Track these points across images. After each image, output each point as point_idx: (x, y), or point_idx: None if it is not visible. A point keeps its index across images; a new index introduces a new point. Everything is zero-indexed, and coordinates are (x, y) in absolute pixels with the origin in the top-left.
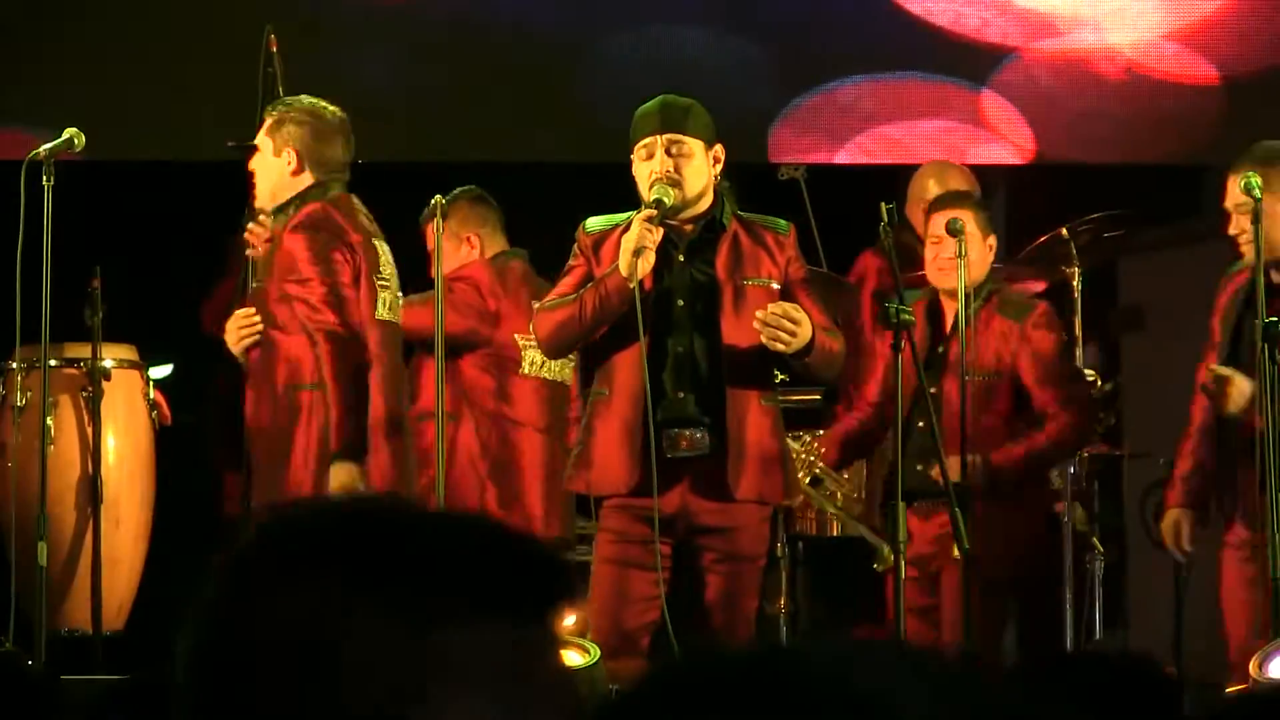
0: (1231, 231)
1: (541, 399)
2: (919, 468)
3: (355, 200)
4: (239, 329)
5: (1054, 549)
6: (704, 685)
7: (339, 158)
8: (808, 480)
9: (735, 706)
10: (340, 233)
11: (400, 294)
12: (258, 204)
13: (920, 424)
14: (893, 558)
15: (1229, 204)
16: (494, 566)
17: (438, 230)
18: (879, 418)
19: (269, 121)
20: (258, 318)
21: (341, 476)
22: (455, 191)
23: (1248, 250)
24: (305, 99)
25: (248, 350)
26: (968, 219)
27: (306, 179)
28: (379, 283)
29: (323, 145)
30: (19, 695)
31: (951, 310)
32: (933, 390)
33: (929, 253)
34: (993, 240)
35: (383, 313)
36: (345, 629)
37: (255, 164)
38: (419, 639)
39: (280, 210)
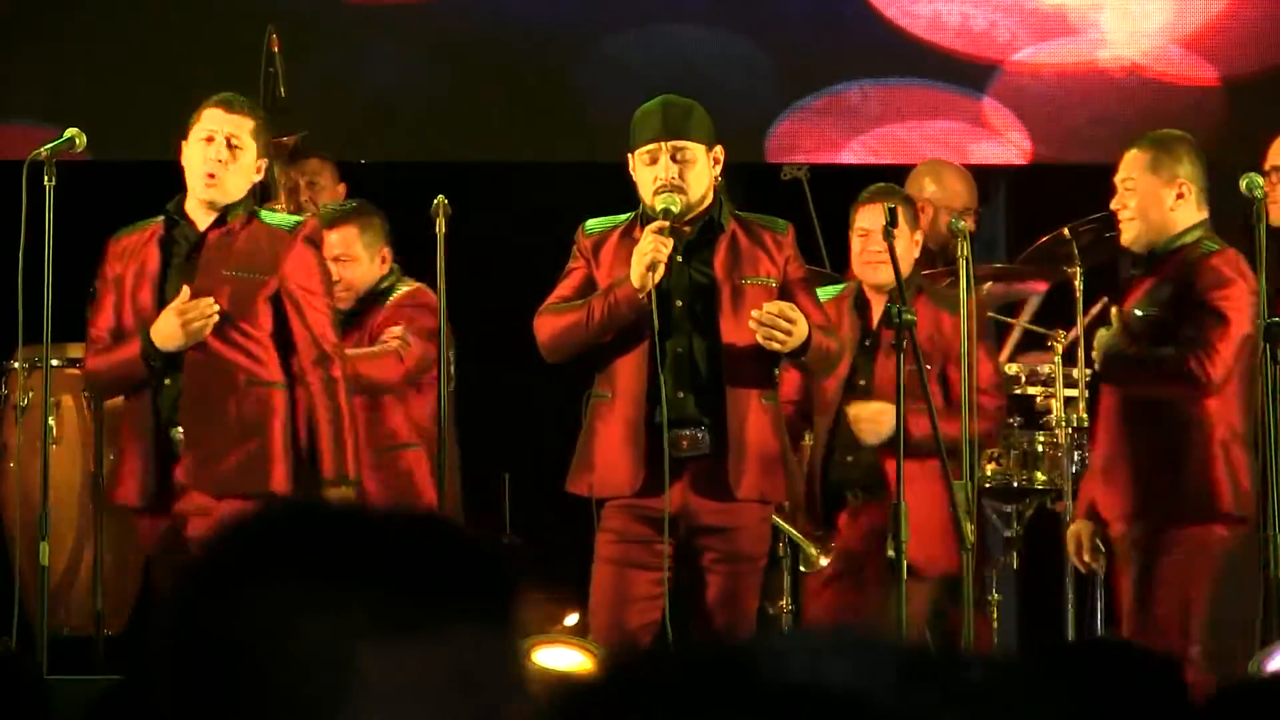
0: (1112, 206)
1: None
2: (849, 459)
3: None
4: (200, 316)
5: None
6: (667, 682)
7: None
8: None
9: (700, 703)
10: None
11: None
12: (213, 195)
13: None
14: (818, 562)
15: (1116, 180)
16: (444, 573)
17: (440, 232)
18: (797, 413)
19: (256, 122)
20: (216, 307)
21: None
22: (363, 206)
23: (1126, 229)
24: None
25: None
26: (898, 213)
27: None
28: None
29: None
30: (11, 696)
31: (878, 303)
32: (862, 381)
33: (856, 245)
34: (919, 236)
35: None
36: (292, 630)
37: (236, 157)
38: (350, 646)
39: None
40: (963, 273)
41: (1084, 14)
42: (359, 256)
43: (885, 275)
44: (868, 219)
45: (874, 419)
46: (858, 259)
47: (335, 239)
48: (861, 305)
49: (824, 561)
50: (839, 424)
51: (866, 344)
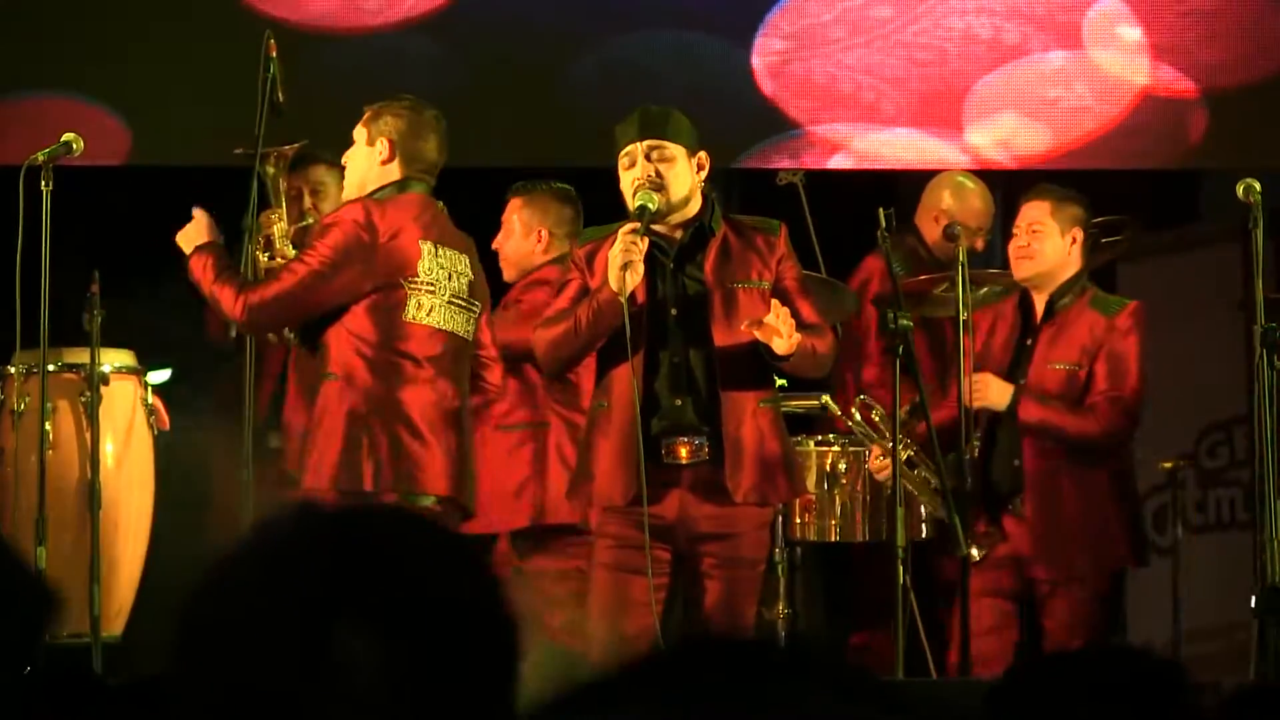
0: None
1: None
2: (1002, 463)
3: (428, 201)
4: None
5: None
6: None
7: (430, 157)
8: (904, 459)
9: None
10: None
11: (461, 300)
12: (345, 195)
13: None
14: (973, 551)
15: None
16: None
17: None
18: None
19: (367, 114)
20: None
21: None
22: (539, 183)
23: (1016, 266)
24: (407, 96)
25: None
26: (1045, 212)
27: (395, 171)
28: (409, 286)
29: (418, 140)
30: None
31: (1039, 301)
32: (1020, 381)
33: (1013, 243)
34: (1076, 233)
35: (417, 315)
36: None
37: (348, 156)
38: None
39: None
40: (960, 278)
41: (1070, 20)
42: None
43: (1027, 270)
44: (1022, 216)
45: (987, 384)
46: (1011, 254)
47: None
48: (1025, 304)
49: (974, 552)
50: (998, 423)
51: (1028, 342)
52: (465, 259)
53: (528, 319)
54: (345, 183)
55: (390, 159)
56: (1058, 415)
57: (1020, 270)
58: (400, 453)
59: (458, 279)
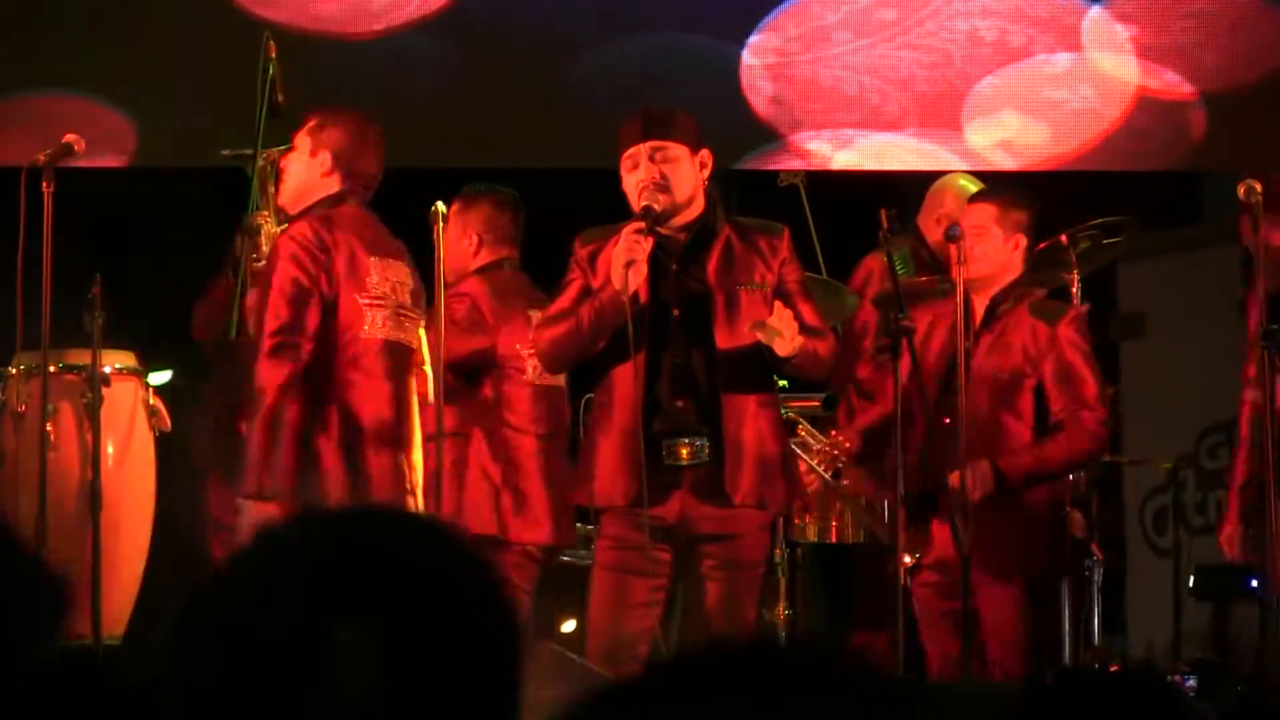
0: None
1: (541, 406)
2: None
3: (367, 215)
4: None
5: (1057, 549)
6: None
7: (370, 171)
8: (830, 474)
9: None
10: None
11: (405, 310)
12: (280, 201)
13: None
14: (908, 560)
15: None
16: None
17: (438, 239)
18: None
19: (311, 123)
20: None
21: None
22: (480, 187)
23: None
24: (350, 109)
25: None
26: (990, 216)
27: (334, 184)
28: (362, 301)
29: (359, 156)
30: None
31: (980, 303)
32: (961, 382)
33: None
34: (1020, 239)
35: (370, 330)
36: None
37: (289, 162)
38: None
39: (305, 212)
40: (959, 279)
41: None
42: None
43: (967, 271)
44: (966, 216)
45: (977, 476)
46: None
47: None
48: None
49: (906, 559)
50: (932, 428)
51: (967, 345)
52: (405, 268)
53: (466, 331)
54: (283, 188)
55: (331, 172)
56: (1039, 459)
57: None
58: (356, 462)
59: (399, 290)
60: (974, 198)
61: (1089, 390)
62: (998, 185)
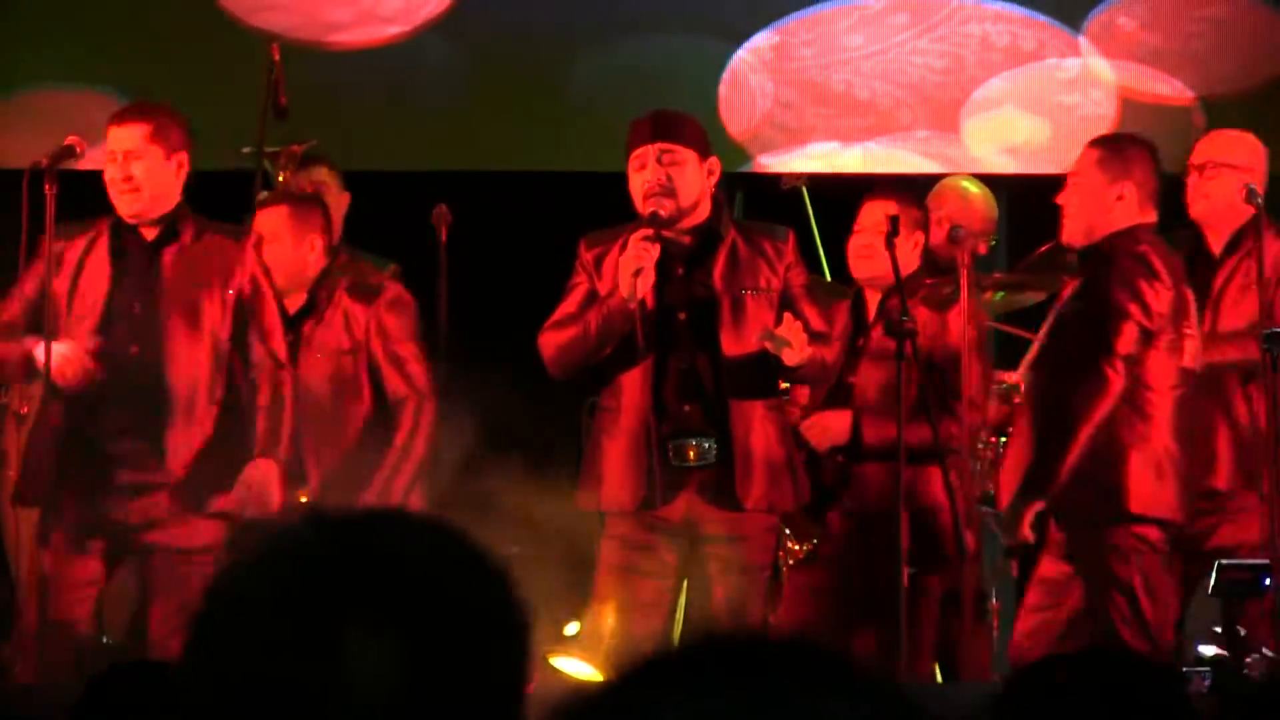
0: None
1: None
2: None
3: None
4: None
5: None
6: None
7: None
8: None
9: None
10: None
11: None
12: (138, 209)
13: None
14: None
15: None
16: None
17: (441, 241)
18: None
19: (152, 127)
20: None
21: None
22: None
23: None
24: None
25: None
26: (889, 214)
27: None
28: None
29: None
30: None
31: (873, 301)
32: (850, 380)
33: (855, 241)
34: (919, 236)
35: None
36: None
37: (140, 169)
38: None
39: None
40: (963, 281)
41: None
42: None
43: (866, 270)
44: (868, 216)
45: (824, 426)
46: (850, 253)
47: None
48: (858, 304)
49: (795, 547)
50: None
51: (859, 343)
52: None
53: None
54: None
55: None
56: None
57: (860, 270)
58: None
59: None
60: (871, 195)
61: (971, 380)
62: (889, 184)
